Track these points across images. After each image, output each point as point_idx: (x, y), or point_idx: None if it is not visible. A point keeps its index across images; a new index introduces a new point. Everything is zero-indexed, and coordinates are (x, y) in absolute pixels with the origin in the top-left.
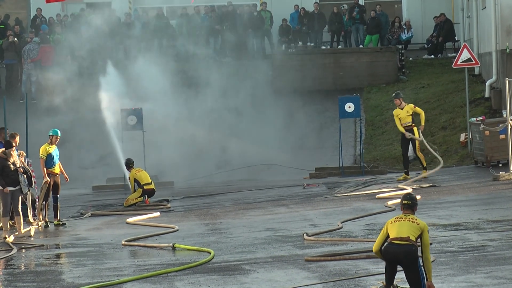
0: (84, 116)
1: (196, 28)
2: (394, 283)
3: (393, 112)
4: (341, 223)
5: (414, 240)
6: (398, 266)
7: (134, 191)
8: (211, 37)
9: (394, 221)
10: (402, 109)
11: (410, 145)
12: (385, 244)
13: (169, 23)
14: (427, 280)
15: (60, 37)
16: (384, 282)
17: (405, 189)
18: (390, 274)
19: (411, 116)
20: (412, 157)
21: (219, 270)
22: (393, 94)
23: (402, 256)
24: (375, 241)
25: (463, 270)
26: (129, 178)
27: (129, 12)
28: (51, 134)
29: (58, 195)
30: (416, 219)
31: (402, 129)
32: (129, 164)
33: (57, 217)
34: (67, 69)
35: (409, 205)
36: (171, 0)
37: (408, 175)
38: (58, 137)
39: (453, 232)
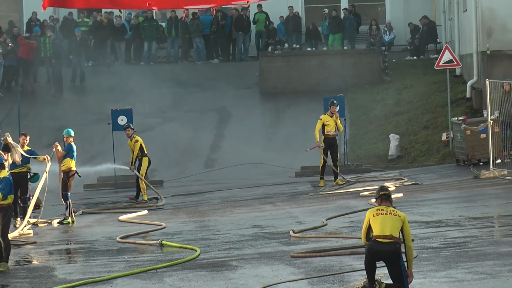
0: (74, 116)
1: (185, 30)
2: (377, 277)
3: (322, 117)
4: (326, 220)
5: (397, 236)
6: (377, 262)
7: (135, 158)
8: (199, 39)
9: (376, 214)
10: (331, 116)
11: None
12: (370, 242)
13: (158, 25)
14: (407, 268)
15: (56, 36)
16: (367, 281)
17: (388, 187)
18: (370, 272)
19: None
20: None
21: (207, 266)
22: (331, 101)
23: (386, 254)
24: (359, 238)
25: (445, 265)
26: (136, 141)
27: (119, 14)
28: None
29: (64, 193)
30: (396, 212)
31: (317, 136)
32: (133, 128)
33: (69, 214)
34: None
35: (387, 195)
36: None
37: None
38: (65, 136)
39: (435, 228)
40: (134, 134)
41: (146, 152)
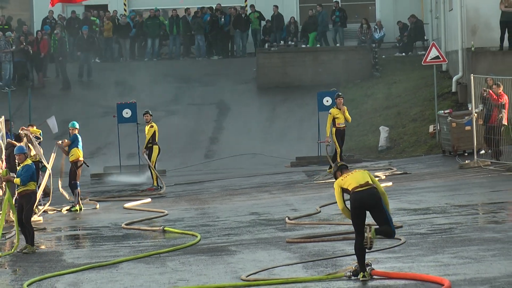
0: (82, 110)
1: (186, 28)
2: (367, 261)
3: (331, 111)
4: (320, 207)
5: (372, 182)
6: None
7: (148, 144)
8: (200, 36)
9: (344, 177)
10: (340, 109)
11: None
12: (351, 195)
13: (161, 23)
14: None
15: (62, 34)
16: (358, 265)
17: (378, 176)
18: (361, 257)
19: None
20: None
21: (207, 251)
22: (336, 94)
23: (368, 198)
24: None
25: (432, 250)
26: (152, 126)
27: (124, 13)
28: None
29: (73, 182)
30: (357, 169)
31: (328, 131)
32: (151, 115)
33: (76, 202)
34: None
35: (345, 165)
36: (163, 2)
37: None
38: (71, 128)
39: (423, 215)
40: (152, 120)
41: (157, 140)
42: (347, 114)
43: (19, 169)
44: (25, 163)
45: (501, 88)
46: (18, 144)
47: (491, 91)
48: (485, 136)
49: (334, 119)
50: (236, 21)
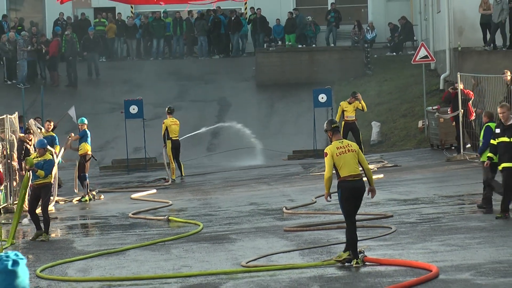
0: (91, 106)
1: (189, 29)
2: (360, 249)
3: (341, 103)
4: (315, 198)
5: (359, 170)
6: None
7: (164, 137)
8: (203, 37)
9: (339, 153)
10: (350, 103)
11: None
12: (342, 183)
13: (166, 25)
14: (370, 185)
15: (72, 35)
16: (351, 253)
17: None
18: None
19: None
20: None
21: (209, 239)
22: (353, 92)
23: (361, 189)
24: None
25: (421, 238)
26: (163, 122)
27: (131, 15)
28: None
29: (82, 174)
30: (350, 146)
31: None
32: (169, 110)
33: (85, 193)
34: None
35: (338, 127)
36: (167, 5)
37: None
38: (80, 124)
39: (412, 206)
40: (166, 117)
41: (171, 135)
42: (363, 103)
43: (38, 161)
44: (46, 157)
45: (462, 85)
46: (25, 139)
47: (463, 89)
48: (466, 130)
49: (343, 111)
50: (229, 23)
